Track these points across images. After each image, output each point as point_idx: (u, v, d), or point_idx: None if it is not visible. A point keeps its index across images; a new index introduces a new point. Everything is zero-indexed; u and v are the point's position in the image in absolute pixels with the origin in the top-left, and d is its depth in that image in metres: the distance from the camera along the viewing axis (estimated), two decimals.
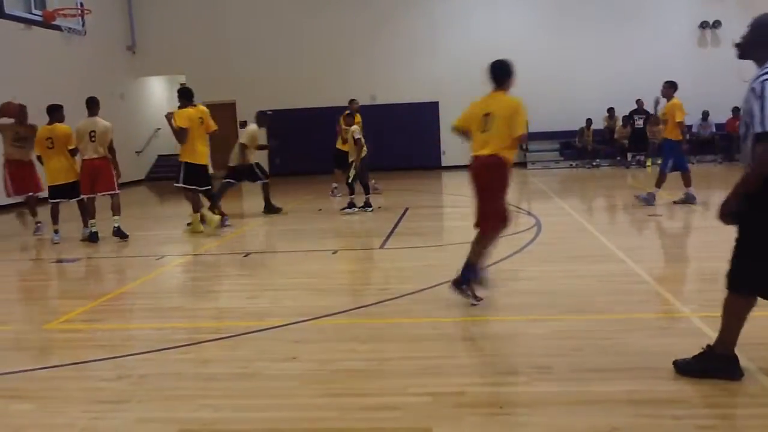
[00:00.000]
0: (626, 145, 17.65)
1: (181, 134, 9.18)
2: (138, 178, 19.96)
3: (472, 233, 5.21)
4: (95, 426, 3.35)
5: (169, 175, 19.75)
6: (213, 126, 9.57)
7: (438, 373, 3.81)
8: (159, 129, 21.03)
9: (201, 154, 9.33)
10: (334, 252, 7.61)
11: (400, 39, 19.09)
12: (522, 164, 18.40)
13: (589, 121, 18.06)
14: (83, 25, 17.13)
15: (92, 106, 9.34)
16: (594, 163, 17.83)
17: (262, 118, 11.67)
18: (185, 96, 9.55)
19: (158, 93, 22.00)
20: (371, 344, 4.37)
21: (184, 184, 9.25)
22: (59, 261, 7.98)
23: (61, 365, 4.23)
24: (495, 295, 5.40)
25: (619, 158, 17.78)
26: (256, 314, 5.22)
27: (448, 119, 19.58)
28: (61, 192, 9.24)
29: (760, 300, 4.98)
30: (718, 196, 11.63)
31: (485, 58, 18.90)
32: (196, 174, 9.26)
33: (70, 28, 16.51)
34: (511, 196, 12.77)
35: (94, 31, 17.68)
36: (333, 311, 5.11)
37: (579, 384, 3.59)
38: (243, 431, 3.23)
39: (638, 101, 17.33)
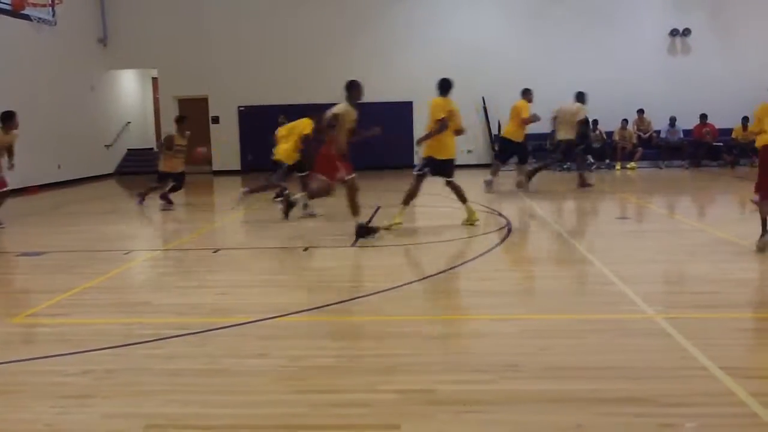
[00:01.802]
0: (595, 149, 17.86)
1: (440, 125, 9.31)
2: (107, 171, 19.67)
3: (444, 232, 5.23)
4: (60, 421, 3.30)
5: (139, 170, 19.61)
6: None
7: (407, 370, 3.83)
8: (129, 123, 20.78)
9: (450, 147, 9.52)
10: (305, 249, 7.59)
11: (377, 38, 19.08)
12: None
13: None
14: (53, 15, 16.84)
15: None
16: (565, 166, 17.99)
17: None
18: (445, 88, 9.91)
19: (129, 86, 21.71)
20: (341, 341, 4.37)
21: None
22: (23, 254, 7.84)
23: (26, 360, 4.16)
24: (465, 294, 5.45)
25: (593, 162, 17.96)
26: (225, 310, 5.18)
27: (422, 119, 19.73)
28: None
29: (722, 301, 5.10)
30: (684, 201, 11.87)
31: (461, 60, 19.32)
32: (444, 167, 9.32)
33: (39, 18, 16.23)
34: (483, 196, 12.92)
35: (65, 21, 17.38)
36: (303, 308, 5.10)
37: (546, 382, 3.63)
38: (210, 427, 3.20)
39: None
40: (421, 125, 18.73)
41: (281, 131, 11.30)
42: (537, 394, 3.47)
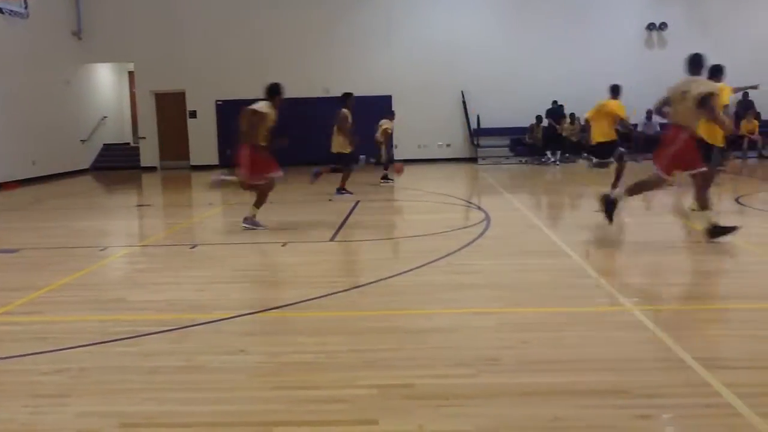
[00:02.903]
0: (573, 142, 17.99)
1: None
2: (83, 167, 19.42)
3: (423, 226, 5.23)
4: (35, 421, 3.25)
5: (116, 165, 19.40)
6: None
7: (386, 365, 3.82)
8: (105, 117, 20.52)
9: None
10: (284, 244, 7.55)
11: (356, 32, 19.01)
12: (473, 159, 18.59)
13: (539, 118, 18.33)
14: (26, 7, 16.57)
15: None
16: (543, 159, 18.12)
17: None
18: (717, 73, 9.13)
19: (105, 80, 21.44)
20: (319, 337, 4.35)
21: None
22: None
23: (0, 359, 4.10)
24: (444, 288, 5.45)
25: (567, 155, 18.10)
26: (203, 307, 5.14)
27: (401, 113, 19.71)
28: None
29: (698, 293, 5.16)
30: (660, 194, 11.97)
31: (440, 54, 19.29)
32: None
33: (11, 10, 15.96)
34: (462, 190, 12.95)
35: (38, 14, 17.11)
36: (281, 304, 5.07)
37: (525, 375, 3.65)
38: (187, 425, 3.17)
39: (553, 102, 17.83)
40: (400, 119, 18.76)
41: None
42: (516, 387, 3.48)
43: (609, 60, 18.34)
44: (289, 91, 18.87)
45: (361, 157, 12.36)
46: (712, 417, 3.13)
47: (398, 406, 3.30)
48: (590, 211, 10.23)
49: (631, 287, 5.38)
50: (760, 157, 17.32)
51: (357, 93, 18.81)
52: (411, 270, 6.08)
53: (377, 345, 4.16)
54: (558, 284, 5.55)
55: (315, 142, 18.96)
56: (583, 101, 17.76)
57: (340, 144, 11.70)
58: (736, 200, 10.47)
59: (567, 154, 18.03)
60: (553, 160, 17.69)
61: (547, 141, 17.93)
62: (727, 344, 4.03)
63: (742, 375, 3.56)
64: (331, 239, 7.77)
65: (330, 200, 11.39)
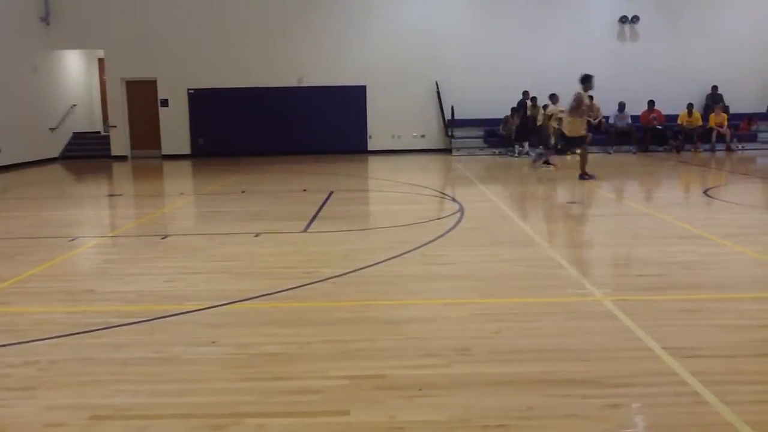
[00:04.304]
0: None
1: None
2: (52, 156, 19.07)
3: (397, 217, 5.23)
4: (2, 414, 3.20)
5: (86, 154, 19.08)
6: None
7: (358, 356, 3.82)
8: (75, 105, 20.17)
9: None
10: (257, 235, 7.50)
11: (330, 21, 18.88)
12: (447, 151, 18.63)
13: (513, 110, 18.39)
14: None
15: None
16: (517, 151, 18.18)
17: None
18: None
19: (74, 67, 21.04)
20: (292, 328, 4.34)
21: None
22: None
23: None
24: (417, 279, 5.47)
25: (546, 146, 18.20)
26: (174, 298, 5.09)
27: (375, 103, 19.66)
28: None
29: (667, 283, 5.24)
30: (632, 185, 12.13)
31: (415, 44, 19.28)
32: None
33: None
34: (436, 181, 12.98)
35: None
36: (254, 295, 5.04)
37: (497, 365, 3.67)
38: (159, 416, 3.14)
39: (524, 92, 17.92)
40: (374, 109, 18.75)
41: None
42: (488, 377, 3.51)
43: (582, 52, 18.46)
44: (263, 80, 18.86)
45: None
46: (679, 405, 3.18)
47: (370, 396, 3.30)
48: (563, 201, 10.35)
49: (602, 278, 5.44)
50: (728, 150, 17.59)
51: (331, 83, 18.86)
52: (384, 261, 6.09)
53: (349, 336, 4.16)
54: (530, 275, 5.60)
55: (290, 132, 18.95)
56: (558, 92, 17.91)
57: (576, 127, 11.88)
58: (705, 192, 10.63)
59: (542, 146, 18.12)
60: (525, 151, 17.78)
61: (523, 132, 17.98)
62: (695, 334, 4.09)
63: (708, 363, 3.62)
64: (305, 230, 7.74)
65: (304, 190, 11.34)
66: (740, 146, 17.69)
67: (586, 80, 11.90)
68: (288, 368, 3.67)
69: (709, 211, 9.19)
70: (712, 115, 17.83)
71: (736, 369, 3.57)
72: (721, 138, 17.68)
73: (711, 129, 17.71)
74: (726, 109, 18.02)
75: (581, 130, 11.99)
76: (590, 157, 16.56)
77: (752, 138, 18.05)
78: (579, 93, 11.94)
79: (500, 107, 18.19)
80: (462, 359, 3.76)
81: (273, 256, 6.57)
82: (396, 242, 6.91)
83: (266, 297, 5.01)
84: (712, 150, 17.59)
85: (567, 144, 12.48)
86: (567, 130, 12.23)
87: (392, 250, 6.43)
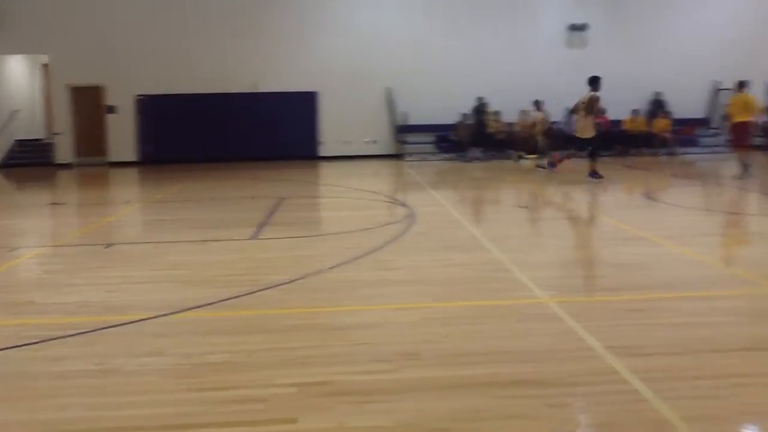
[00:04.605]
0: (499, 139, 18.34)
1: None
2: None
3: (348, 223, 5.22)
4: None
5: (28, 162, 18.52)
6: None
7: (305, 363, 3.79)
8: (17, 111, 19.58)
9: None
10: (204, 243, 7.39)
11: (283, 26, 18.75)
12: (399, 156, 18.69)
13: (465, 116, 18.58)
14: None
15: None
16: (469, 157, 18.36)
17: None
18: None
19: (17, 73, 20.42)
20: (238, 336, 4.28)
21: None
22: None
23: None
24: (366, 285, 5.46)
25: (492, 152, 18.41)
26: (116, 308, 4.97)
27: (327, 109, 19.60)
28: None
29: (610, 284, 5.35)
30: (577, 189, 12.36)
31: (367, 49, 19.26)
32: None
33: None
34: (387, 187, 13.02)
35: None
36: (199, 303, 4.96)
37: (445, 369, 3.69)
38: (100, 430, 3.06)
39: (478, 98, 18.17)
40: (326, 115, 18.72)
41: None
42: (437, 381, 3.52)
43: (533, 59, 18.79)
44: (214, 86, 18.63)
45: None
46: (619, 403, 3.24)
47: (318, 403, 3.28)
48: (512, 206, 10.50)
49: (547, 280, 5.52)
50: (670, 154, 18.10)
51: (283, 89, 18.76)
52: (334, 267, 6.06)
53: (297, 343, 4.12)
54: (479, 279, 5.65)
55: (241, 138, 18.74)
56: (507, 99, 18.18)
57: (586, 128, 12.14)
58: (648, 195, 10.91)
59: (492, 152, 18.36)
60: (477, 157, 17.98)
61: (474, 138, 18.20)
62: (636, 333, 4.18)
63: (648, 362, 3.70)
64: (254, 237, 7.66)
65: (253, 197, 11.23)
66: (682, 151, 18.21)
67: (596, 81, 12.23)
68: (233, 377, 3.62)
69: (652, 213, 9.43)
70: (656, 120, 18.33)
71: (675, 366, 3.66)
72: (663, 143, 18.17)
73: (654, 134, 18.20)
74: (669, 115, 18.54)
75: (592, 131, 12.17)
76: (530, 163, 16.86)
77: (693, 143, 18.61)
78: (594, 94, 12.22)
79: (452, 113, 18.36)
80: (411, 364, 3.76)
81: (220, 263, 6.48)
82: (346, 248, 6.89)
83: (212, 306, 4.93)
84: (655, 155, 18.07)
85: (579, 146, 12.68)
86: (580, 131, 12.48)
87: (342, 256, 6.41)
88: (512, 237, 7.53)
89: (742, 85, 13.22)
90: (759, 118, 14.25)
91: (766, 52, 18.71)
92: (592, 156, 12.30)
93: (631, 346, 3.92)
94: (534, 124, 15.90)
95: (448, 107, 18.38)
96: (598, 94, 12.13)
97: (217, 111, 18.71)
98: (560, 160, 13.05)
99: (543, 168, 14.05)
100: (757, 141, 18.29)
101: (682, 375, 3.56)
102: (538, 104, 15.81)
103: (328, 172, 16.14)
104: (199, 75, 18.45)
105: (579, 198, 11.67)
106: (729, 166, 14.18)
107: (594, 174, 12.17)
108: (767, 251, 6.64)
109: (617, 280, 5.54)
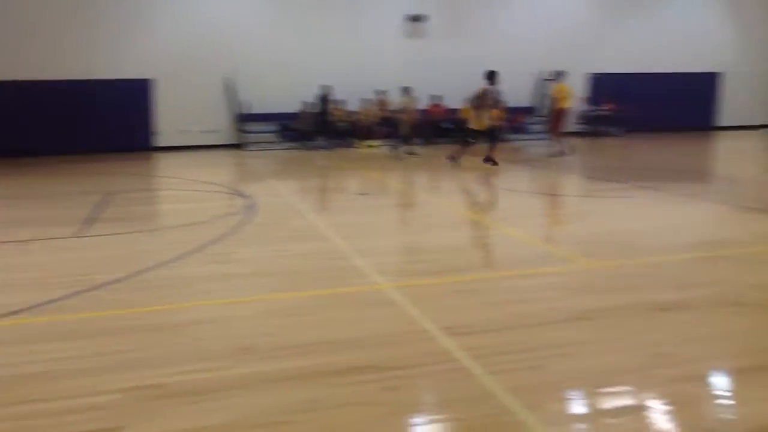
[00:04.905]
0: (341, 128, 18.46)
1: None
2: None
3: (184, 216, 5.00)
4: None
5: None
6: None
7: (135, 366, 3.60)
8: None
9: None
10: (26, 242, 6.80)
11: (117, 10, 17.57)
12: (240, 146, 18.27)
13: (307, 104, 18.49)
14: None
15: None
16: (312, 145, 18.34)
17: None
18: None
19: None
20: (63, 342, 3.98)
21: None
22: None
23: None
24: (200, 280, 5.28)
25: (337, 140, 18.51)
26: None
27: (164, 97, 18.66)
28: None
29: (444, 267, 5.54)
30: (418, 176, 12.74)
31: (205, 36, 18.47)
32: None
33: None
34: (227, 178, 12.68)
35: None
36: (17, 309, 4.55)
37: (280, 361, 3.65)
38: None
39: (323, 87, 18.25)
40: (162, 104, 17.83)
41: None
42: (271, 375, 3.48)
43: (374, 48, 19.03)
44: (45, 73, 17.09)
45: None
46: (451, 380, 3.38)
47: (147, 408, 3.12)
48: (352, 193, 10.62)
49: (384, 266, 5.63)
50: (502, 141, 19.10)
51: (114, 76, 17.62)
52: (168, 262, 5.81)
53: (125, 346, 3.90)
54: (318, 267, 5.65)
55: (68, 129, 17.40)
56: (349, 88, 18.33)
57: (477, 119, 12.36)
58: (481, 180, 11.45)
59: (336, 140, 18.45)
60: (322, 145, 18.00)
61: (317, 126, 18.19)
62: (467, 312, 4.38)
63: (477, 339, 3.89)
64: (83, 234, 7.16)
65: (83, 192, 10.49)
66: (514, 138, 19.31)
67: (492, 75, 12.49)
68: (53, 387, 3.35)
69: (484, 197, 9.93)
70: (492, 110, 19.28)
71: (503, 341, 3.87)
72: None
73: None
74: (502, 104, 19.56)
75: (487, 122, 12.47)
76: (385, 149, 17.19)
77: (523, 130, 19.79)
78: (485, 87, 12.42)
79: (295, 101, 18.22)
80: (247, 359, 3.69)
81: (45, 264, 5.99)
82: (182, 242, 6.62)
83: (31, 310, 4.54)
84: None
85: (475, 136, 12.85)
86: (471, 123, 12.71)
87: (178, 251, 6.15)
88: (353, 225, 7.61)
89: (558, 75, 14.30)
90: (576, 106, 15.38)
91: (586, 46, 20.26)
92: (492, 143, 12.69)
93: (462, 326, 4.09)
94: (403, 109, 16.02)
95: (291, 96, 18.21)
96: (490, 87, 12.44)
97: (43, 100, 17.27)
98: (460, 154, 13.12)
99: (418, 156, 14.30)
100: (580, 128, 19.93)
101: (510, 349, 3.76)
102: (407, 90, 15.94)
103: (164, 163, 15.45)
104: (22, 60, 16.88)
105: (420, 184, 12.04)
106: (550, 150, 15.24)
107: (488, 159, 12.58)
108: (584, 230, 7.18)
109: (451, 262, 5.76)
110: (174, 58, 17.85)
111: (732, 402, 3.22)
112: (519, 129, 19.13)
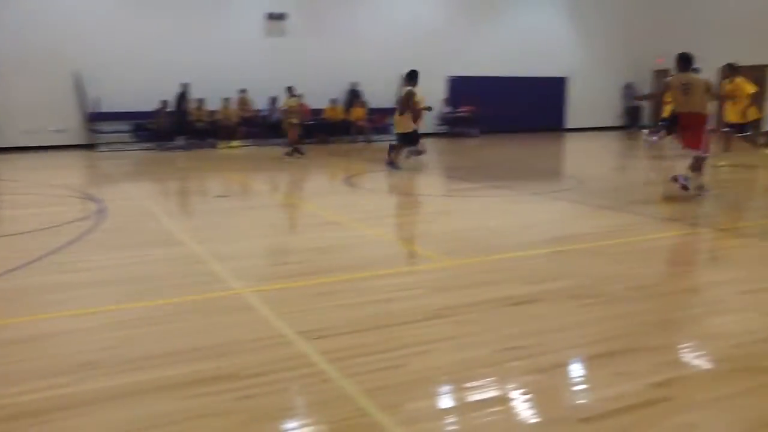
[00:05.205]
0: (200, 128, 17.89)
1: None
2: None
3: (25, 222, 4.59)
4: None
5: None
6: None
7: None
8: None
9: None
10: None
11: None
12: (91, 146, 17.22)
13: (164, 103, 17.76)
14: None
15: None
16: (169, 146, 17.64)
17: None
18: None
19: None
20: None
21: None
22: None
23: None
24: (42, 291, 4.90)
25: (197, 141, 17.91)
26: None
27: (5, 95, 17.19)
28: None
29: (304, 269, 5.48)
30: (281, 177, 12.59)
31: (52, 31, 17.36)
32: None
33: None
34: (75, 180, 11.92)
35: None
36: None
37: (131, 375, 3.45)
38: None
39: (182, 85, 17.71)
40: (4, 102, 16.41)
41: None
42: (120, 390, 3.28)
43: (234, 47, 18.56)
44: None
45: None
46: (308, 385, 3.34)
47: None
48: (211, 196, 10.31)
49: (243, 270, 5.48)
50: (366, 141, 19.33)
51: None
52: (3, 274, 5.34)
53: None
54: (172, 274, 5.42)
55: None
56: (209, 87, 17.79)
57: (402, 123, 12.05)
58: (345, 181, 11.50)
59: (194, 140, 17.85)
60: (180, 146, 17.36)
61: (175, 126, 17.51)
62: (326, 315, 4.34)
63: (336, 342, 3.86)
64: None
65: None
66: (377, 138, 19.58)
67: (413, 76, 12.08)
68: None
69: (349, 198, 9.97)
70: (353, 109, 19.44)
71: (361, 343, 3.87)
72: (360, 131, 19.36)
73: (351, 122, 19.29)
74: (365, 104, 19.77)
75: (411, 125, 12.09)
76: (247, 150, 16.86)
77: (386, 130, 20.11)
78: (410, 89, 11.99)
79: (152, 100, 17.42)
80: (90, 374, 3.45)
81: None
82: (22, 251, 6.12)
83: None
84: (353, 141, 19.17)
85: (402, 141, 12.35)
86: (397, 126, 12.30)
87: (17, 261, 5.67)
88: (210, 228, 7.36)
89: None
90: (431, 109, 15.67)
91: (446, 49, 20.88)
92: (394, 148, 12.37)
93: (321, 329, 4.05)
94: (287, 111, 15.46)
95: (148, 94, 17.41)
96: (413, 89, 12.09)
97: None
98: (397, 156, 12.60)
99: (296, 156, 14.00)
100: (439, 129, 20.56)
101: (368, 350, 3.76)
102: (291, 90, 15.44)
103: (6, 165, 14.25)
104: None
105: (281, 186, 11.90)
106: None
107: (392, 164, 12.24)
108: (443, 229, 7.38)
109: (311, 265, 5.71)
110: (16, 50, 16.52)
111: (585, 387, 3.41)
112: (382, 129, 19.39)
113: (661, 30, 22.49)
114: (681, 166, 9.17)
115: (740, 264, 5.91)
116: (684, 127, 8.94)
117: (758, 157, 12.90)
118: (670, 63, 23.13)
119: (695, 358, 3.79)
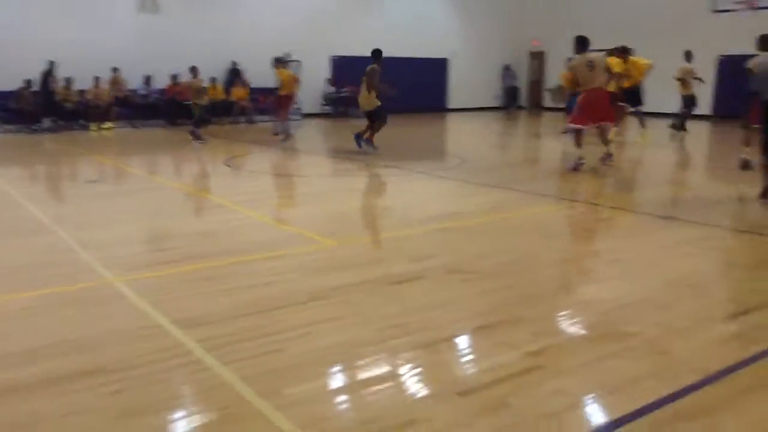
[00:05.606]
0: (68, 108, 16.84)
1: None
2: None
3: None
4: None
5: None
6: None
7: None
8: None
9: None
10: None
11: None
12: None
13: (28, 82, 16.56)
14: None
15: None
16: (34, 128, 16.50)
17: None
18: None
19: None
20: None
21: None
22: None
23: None
24: None
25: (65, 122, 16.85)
26: None
27: None
28: None
29: (182, 255, 5.27)
30: (159, 160, 12.09)
31: None
32: None
33: None
34: None
35: None
36: None
37: None
38: None
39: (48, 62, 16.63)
40: None
41: None
42: None
43: (103, 24, 17.55)
44: None
45: None
46: (183, 375, 3.25)
47: None
48: (82, 180, 9.75)
49: (115, 259, 5.22)
50: (248, 122, 18.91)
51: None
52: None
53: None
54: (38, 265, 5.08)
55: None
56: (78, 66, 16.74)
57: (367, 101, 11.77)
58: (226, 163, 11.20)
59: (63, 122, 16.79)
60: (48, 128, 16.27)
61: (41, 107, 16.37)
62: (203, 302, 4.22)
63: (213, 329, 3.77)
64: None
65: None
66: (259, 119, 19.19)
67: (379, 54, 11.80)
68: None
69: (228, 180, 9.72)
70: (234, 89, 18.92)
71: (239, 329, 3.79)
72: (242, 111, 18.90)
73: (233, 103, 18.79)
74: (246, 84, 19.28)
75: (376, 102, 11.74)
76: (120, 132, 16.06)
77: (269, 111, 19.73)
78: (374, 67, 11.65)
79: (14, 78, 16.18)
80: None
81: None
82: None
83: None
84: (235, 122, 18.70)
85: (370, 118, 11.98)
86: (361, 104, 11.95)
87: None
88: (81, 215, 6.97)
89: (279, 61, 14.41)
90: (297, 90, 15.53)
91: (332, 27, 20.70)
92: (372, 127, 12.01)
93: (197, 317, 3.94)
94: (197, 91, 14.57)
95: (10, 72, 16.17)
96: (376, 67, 11.75)
97: None
98: (370, 134, 12.10)
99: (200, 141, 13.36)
100: (323, 109, 20.43)
101: (246, 336, 3.69)
102: (193, 70, 14.57)
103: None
104: None
105: (159, 169, 11.42)
106: (300, 131, 15.45)
107: (368, 141, 11.97)
108: (326, 210, 7.34)
109: (189, 250, 5.53)
110: None
111: (465, 360, 3.51)
112: (263, 110, 19.01)
113: (537, 14, 23.35)
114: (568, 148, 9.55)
115: (609, 235, 6.26)
116: (592, 103, 9.34)
117: (640, 135, 13.65)
118: (545, 46, 24.05)
119: (569, 326, 3.99)
